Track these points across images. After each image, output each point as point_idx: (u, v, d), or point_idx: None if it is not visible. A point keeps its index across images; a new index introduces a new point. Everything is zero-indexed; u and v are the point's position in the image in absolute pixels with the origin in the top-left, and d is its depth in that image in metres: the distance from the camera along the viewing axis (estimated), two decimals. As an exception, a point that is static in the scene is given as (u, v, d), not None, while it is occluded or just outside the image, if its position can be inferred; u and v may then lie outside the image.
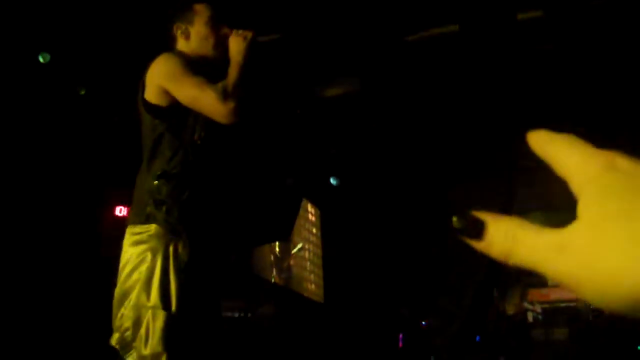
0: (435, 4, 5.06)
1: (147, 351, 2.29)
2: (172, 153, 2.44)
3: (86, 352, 4.51)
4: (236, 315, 6.65)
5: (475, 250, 0.40)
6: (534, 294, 8.46)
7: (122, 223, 5.59)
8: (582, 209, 0.37)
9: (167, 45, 2.61)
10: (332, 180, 8.60)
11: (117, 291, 2.42)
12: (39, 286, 4.93)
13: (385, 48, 5.54)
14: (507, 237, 0.38)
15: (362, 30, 5.32)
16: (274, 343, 6.53)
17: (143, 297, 2.33)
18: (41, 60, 5.03)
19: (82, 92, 5.40)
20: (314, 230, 9.23)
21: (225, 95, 2.32)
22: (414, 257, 8.61)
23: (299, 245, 8.58)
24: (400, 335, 8.62)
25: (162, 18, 2.64)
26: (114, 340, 2.39)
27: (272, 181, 6.48)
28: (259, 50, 2.49)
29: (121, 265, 2.44)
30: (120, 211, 5.70)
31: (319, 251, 9.31)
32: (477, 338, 7.83)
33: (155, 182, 2.43)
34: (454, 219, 0.39)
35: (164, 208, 2.40)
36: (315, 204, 9.14)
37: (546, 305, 10.17)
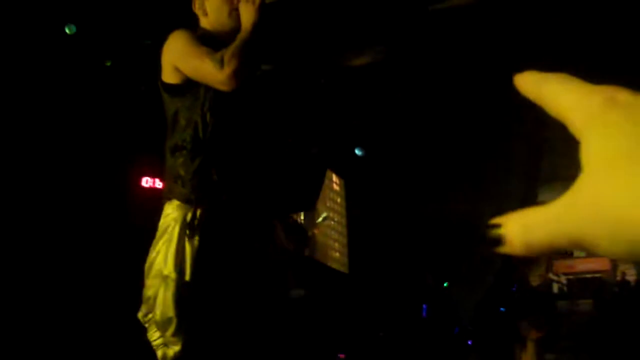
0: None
1: (158, 317, 2.35)
2: (185, 127, 2.47)
3: (116, 325, 4.59)
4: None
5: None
6: (559, 265, 8.43)
7: (149, 194, 5.70)
8: (585, 154, 0.34)
9: (192, 15, 2.63)
10: (357, 151, 8.59)
11: (146, 265, 2.48)
12: (67, 259, 5.00)
13: (410, 17, 5.49)
14: (523, 230, 0.37)
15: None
16: (296, 314, 6.60)
17: (162, 266, 2.38)
18: (67, 31, 5.07)
19: (108, 64, 5.43)
20: (339, 200, 9.25)
21: (222, 63, 2.32)
22: (439, 226, 8.61)
23: (324, 215, 8.61)
24: (424, 306, 8.64)
25: None
26: (141, 312, 2.44)
27: (297, 151, 6.49)
28: (269, 13, 2.48)
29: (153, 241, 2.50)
30: (147, 182, 5.77)
31: (343, 220, 9.34)
32: (502, 309, 7.84)
33: (172, 157, 2.47)
34: (493, 232, 0.38)
35: (179, 181, 2.45)
36: (339, 175, 9.14)
37: (571, 277, 10.14)
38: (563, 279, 9.71)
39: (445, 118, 7.52)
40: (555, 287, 8.61)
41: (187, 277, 2.37)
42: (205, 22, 2.59)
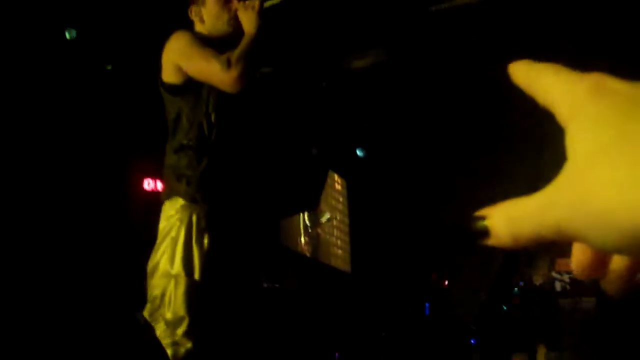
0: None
1: (169, 315, 2.37)
2: (189, 127, 2.49)
3: (117, 324, 4.62)
4: (265, 285, 6.71)
5: None
6: (562, 263, 8.40)
7: (150, 196, 5.71)
8: (570, 144, 0.34)
9: (188, 21, 2.65)
10: (359, 152, 8.60)
11: (150, 264, 2.50)
12: (67, 261, 5.01)
13: (411, 18, 5.49)
14: (509, 222, 0.36)
15: (388, 1, 5.27)
16: (299, 313, 6.61)
17: (168, 266, 2.41)
18: (67, 36, 5.08)
19: (109, 68, 5.44)
20: (341, 199, 9.26)
21: (228, 65, 2.35)
22: (440, 226, 8.61)
23: (327, 215, 8.61)
24: (427, 304, 8.65)
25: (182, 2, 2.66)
26: (146, 311, 2.47)
27: (298, 151, 6.50)
28: (269, 17, 2.50)
29: (157, 242, 2.52)
30: (148, 184, 5.78)
31: (346, 220, 9.35)
32: (504, 307, 7.85)
33: (175, 156, 2.49)
34: (478, 224, 0.37)
35: (184, 180, 2.48)
36: (341, 175, 9.15)
37: (574, 275, 10.12)
38: (566, 277, 9.68)
39: (445, 118, 7.52)
40: (558, 285, 8.59)
41: (197, 276, 2.40)
42: (201, 28, 2.61)
